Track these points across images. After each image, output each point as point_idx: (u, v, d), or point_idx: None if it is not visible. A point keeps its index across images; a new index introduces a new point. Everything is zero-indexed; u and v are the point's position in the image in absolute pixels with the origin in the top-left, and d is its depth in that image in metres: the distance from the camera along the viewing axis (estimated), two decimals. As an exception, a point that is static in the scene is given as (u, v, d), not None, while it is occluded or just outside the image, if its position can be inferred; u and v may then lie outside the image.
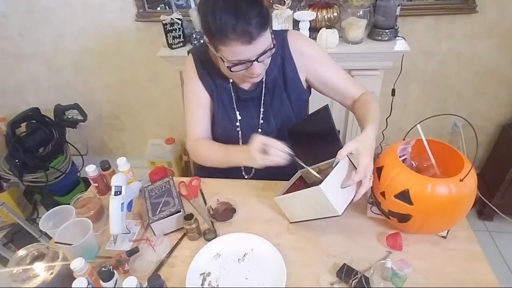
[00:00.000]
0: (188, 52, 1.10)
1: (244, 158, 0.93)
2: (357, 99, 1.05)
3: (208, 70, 1.04)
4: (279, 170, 1.10)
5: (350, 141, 0.82)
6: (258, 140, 0.85)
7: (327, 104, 0.93)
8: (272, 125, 1.08)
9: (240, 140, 1.10)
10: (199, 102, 1.08)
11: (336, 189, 0.81)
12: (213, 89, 1.06)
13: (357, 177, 0.80)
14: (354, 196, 0.83)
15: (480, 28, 1.65)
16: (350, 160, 0.86)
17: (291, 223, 0.94)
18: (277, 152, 0.84)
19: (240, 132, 1.08)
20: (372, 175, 0.83)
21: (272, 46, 0.89)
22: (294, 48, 1.02)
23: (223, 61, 0.89)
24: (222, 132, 1.10)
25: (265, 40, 0.85)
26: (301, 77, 1.05)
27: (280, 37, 1.03)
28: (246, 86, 1.05)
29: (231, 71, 0.91)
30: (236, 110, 1.07)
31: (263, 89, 1.04)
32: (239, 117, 1.07)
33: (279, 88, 1.05)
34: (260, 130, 1.08)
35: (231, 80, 1.04)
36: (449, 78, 1.83)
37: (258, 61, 0.87)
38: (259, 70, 0.90)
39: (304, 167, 0.89)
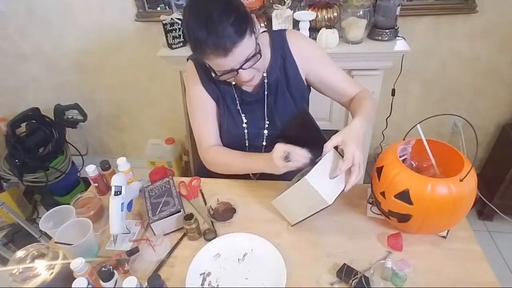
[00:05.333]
0: (188, 59, 1.08)
1: (265, 166, 0.94)
2: (353, 97, 1.05)
3: (210, 76, 1.02)
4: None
5: (336, 134, 0.83)
6: (281, 148, 0.87)
7: (304, 106, 0.94)
8: (277, 126, 1.07)
9: (247, 143, 1.09)
10: (206, 110, 1.06)
11: (323, 179, 0.82)
12: (218, 94, 1.05)
13: (344, 166, 0.80)
14: (345, 186, 0.83)
15: (480, 28, 1.65)
16: (339, 153, 0.87)
17: (292, 225, 0.93)
18: (298, 157, 0.86)
19: (246, 135, 1.08)
20: (361, 164, 0.83)
21: (257, 51, 0.87)
22: (294, 47, 1.02)
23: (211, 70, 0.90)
24: (228, 136, 1.09)
25: (244, 49, 0.83)
26: (302, 76, 1.05)
27: (280, 37, 1.02)
28: (248, 88, 1.04)
29: (219, 80, 0.91)
30: (241, 113, 1.06)
31: (265, 90, 1.03)
32: (244, 120, 1.06)
33: (282, 88, 1.04)
34: (266, 131, 1.08)
35: (233, 83, 1.03)
36: (449, 78, 1.83)
37: (243, 69, 0.86)
38: (247, 77, 0.89)
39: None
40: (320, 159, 0.84)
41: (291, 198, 0.88)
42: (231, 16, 0.79)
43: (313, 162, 0.87)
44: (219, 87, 1.04)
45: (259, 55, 0.88)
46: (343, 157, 0.83)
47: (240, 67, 0.86)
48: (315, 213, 0.86)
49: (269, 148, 1.09)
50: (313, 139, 0.92)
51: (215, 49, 0.80)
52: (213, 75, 0.91)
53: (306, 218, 0.89)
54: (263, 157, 0.97)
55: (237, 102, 1.05)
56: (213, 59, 0.83)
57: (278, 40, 1.02)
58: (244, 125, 1.06)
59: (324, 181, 0.81)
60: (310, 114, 0.93)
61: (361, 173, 0.83)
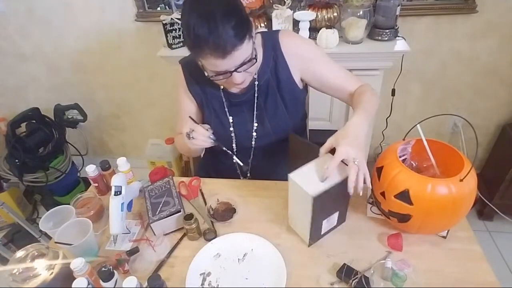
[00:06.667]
0: (179, 61, 1.09)
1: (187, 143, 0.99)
2: (353, 93, 1.03)
3: (197, 79, 1.04)
4: (273, 171, 1.10)
5: (330, 137, 0.81)
6: (187, 125, 0.95)
7: (292, 133, 0.97)
8: (267, 128, 1.06)
9: (234, 144, 1.10)
10: (184, 109, 1.11)
11: (311, 178, 0.78)
12: (202, 98, 1.06)
13: (332, 164, 0.75)
14: (348, 186, 0.76)
15: (480, 28, 1.65)
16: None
17: (309, 246, 0.88)
18: (200, 137, 0.94)
19: (234, 138, 1.08)
20: (361, 161, 0.76)
21: (253, 56, 0.87)
22: (286, 48, 1.01)
23: (205, 70, 0.90)
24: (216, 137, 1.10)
25: (242, 53, 0.83)
26: (295, 77, 1.04)
27: (272, 39, 1.01)
28: (236, 90, 1.03)
29: (209, 82, 0.93)
30: (228, 115, 1.06)
31: (256, 92, 1.03)
32: (231, 122, 1.06)
33: (273, 90, 1.03)
34: (255, 134, 1.07)
35: (221, 86, 1.03)
36: (449, 78, 1.83)
37: (237, 72, 0.87)
38: (239, 80, 0.89)
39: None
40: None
41: (294, 206, 0.87)
42: (233, 19, 0.78)
43: (215, 142, 0.94)
44: (205, 91, 1.05)
45: (254, 59, 0.88)
46: (345, 163, 0.79)
47: (235, 70, 0.86)
48: (312, 217, 0.80)
49: (258, 150, 1.10)
50: (315, 157, 0.89)
51: (214, 49, 0.79)
52: (206, 74, 0.91)
53: (312, 228, 0.83)
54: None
55: (225, 104, 1.05)
56: (210, 59, 0.83)
57: (270, 41, 1.01)
58: (231, 126, 1.07)
59: (311, 179, 0.78)
60: (299, 138, 0.93)
61: (362, 170, 0.76)
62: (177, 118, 1.17)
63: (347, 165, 0.77)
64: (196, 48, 0.83)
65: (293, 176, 0.79)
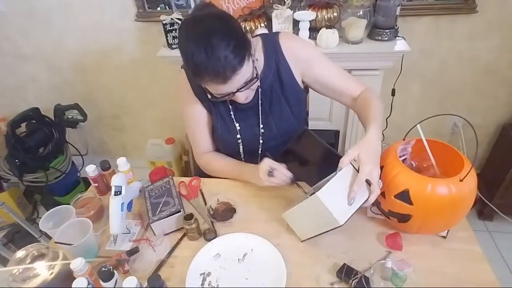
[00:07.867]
0: (182, 67, 1.07)
1: (251, 177, 0.99)
2: (357, 97, 1.03)
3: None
4: None
5: (352, 147, 0.80)
6: (267, 163, 0.93)
7: (305, 127, 0.93)
8: (273, 131, 1.06)
9: (241, 151, 1.10)
10: (197, 120, 1.09)
11: (337, 198, 0.77)
12: (210, 104, 1.05)
13: (356, 187, 0.75)
14: (364, 202, 0.78)
15: (480, 28, 1.65)
16: (355, 168, 0.81)
17: (302, 241, 0.89)
18: (282, 176, 0.91)
19: (241, 143, 1.08)
20: (381, 181, 0.79)
21: (254, 76, 0.87)
22: (286, 50, 1.00)
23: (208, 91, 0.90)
24: (223, 142, 1.10)
25: (243, 76, 0.83)
26: (297, 79, 1.04)
27: (272, 41, 1.01)
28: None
29: (216, 101, 0.93)
30: (235, 121, 1.05)
31: (260, 96, 1.02)
32: (238, 127, 1.06)
33: (277, 93, 1.03)
34: (261, 140, 1.07)
35: None
36: (449, 78, 1.83)
37: (239, 91, 0.87)
38: (242, 98, 0.90)
39: (305, 191, 0.93)
40: (335, 174, 0.79)
41: (301, 213, 0.85)
42: (230, 43, 0.77)
43: (293, 182, 0.91)
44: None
45: (256, 78, 0.88)
46: (353, 168, 0.79)
47: (237, 91, 0.86)
48: (326, 232, 0.81)
49: (265, 154, 1.10)
50: (323, 157, 0.89)
51: (214, 76, 0.79)
52: (209, 96, 0.92)
53: (316, 235, 0.84)
54: (250, 168, 1.00)
55: (231, 110, 1.05)
56: (211, 85, 0.83)
57: (271, 44, 1.00)
58: (238, 132, 1.06)
59: (337, 200, 0.76)
60: (313, 134, 0.91)
61: (379, 190, 0.78)
62: (195, 136, 1.12)
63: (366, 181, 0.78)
64: (196, 76, 0.83)
65: (322, 197, 0.75)
